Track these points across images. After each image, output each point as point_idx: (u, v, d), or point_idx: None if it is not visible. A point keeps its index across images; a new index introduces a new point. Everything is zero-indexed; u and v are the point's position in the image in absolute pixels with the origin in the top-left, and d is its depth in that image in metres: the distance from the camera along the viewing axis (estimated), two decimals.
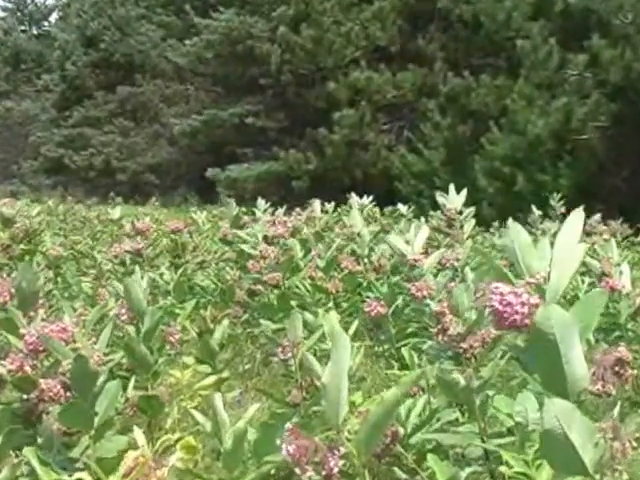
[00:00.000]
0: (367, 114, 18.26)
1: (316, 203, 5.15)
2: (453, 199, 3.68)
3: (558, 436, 0.97)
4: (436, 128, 16.57)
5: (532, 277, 1.10)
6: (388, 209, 7.75)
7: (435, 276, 2.80)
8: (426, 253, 2.93)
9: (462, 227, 3.64)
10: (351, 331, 2.53)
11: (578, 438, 0.97)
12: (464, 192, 3.74)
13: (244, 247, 3.73)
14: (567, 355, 1.03)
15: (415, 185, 16.53)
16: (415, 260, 2.81)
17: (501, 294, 1.07)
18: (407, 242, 2.89)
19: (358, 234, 4.03)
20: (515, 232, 1.14)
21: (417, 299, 2.58)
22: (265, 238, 3.66)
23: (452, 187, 3.69)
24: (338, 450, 1.17)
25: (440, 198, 3.68)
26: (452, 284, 2.61)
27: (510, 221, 1.19)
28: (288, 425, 1.24)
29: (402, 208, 6.09)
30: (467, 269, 2.37)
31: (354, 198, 5.54)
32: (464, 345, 1.88)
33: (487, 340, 1.89)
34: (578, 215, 1.14)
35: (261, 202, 5.13)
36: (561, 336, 1.02)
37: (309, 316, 2.57)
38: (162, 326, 2.51)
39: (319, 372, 1.25)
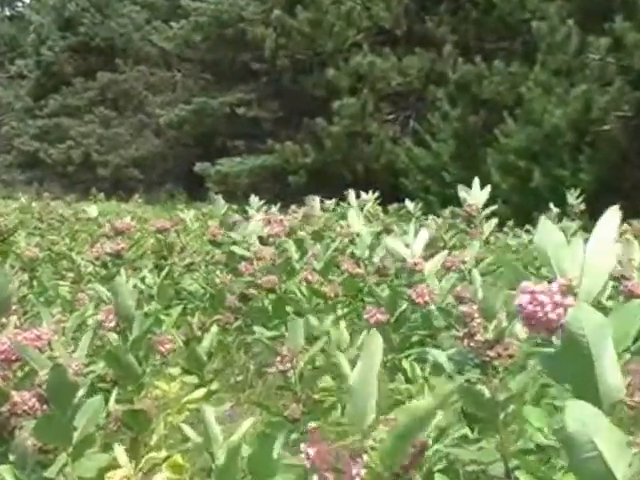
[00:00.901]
0: (370, 103, 18.27)
1: (315, 200, 5.17)
2: (476, 195, 3.68)
3: (584, 444, 0.94)
4: (445, 119, 16.58)
5: (564, 278, 1.10)
6: (393, 206, 7.75)
7: (440, 279, 2.81)
8: (431, 256, 2.94)
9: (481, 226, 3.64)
10: (360, 341, 2.53)
11: (608, 450, 0.94)
12: (488, 189, 3.74)
13: (235, 249, 3.73)
14: (600, 361, 1.01)
15: (422, 181, 16.53)
16: (415, 264, 2.82)
17: (532, 293, 1.07)
18: (407, 245, 2.90)
19: (357, 234, 4.03)
20: (547, 230, 1.14)
21: (418, 305, 2.59)
22: (260, 238, 3.66)
23: (477, 181, 3.70)
24: (361, 458, 1.16)
25: (462, 193, 3.68)
26: (459, 288, 2.62)
27: (542, 218, 1.18)
28: (311, 425, 1.24)
29: (409, 205, 6.10)
30: (475, 272, 2.37)
31: (352, 195, 5.54)
32: (491, 353, 1.88)
33: (516, 350, 1.88)
34: (614, 213, 1.13)
35: (254, 199, 5.14)
36: (593, 339, 1.01)
37: (314, 320, 2.57)
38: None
39: (349, 373, 1.25)
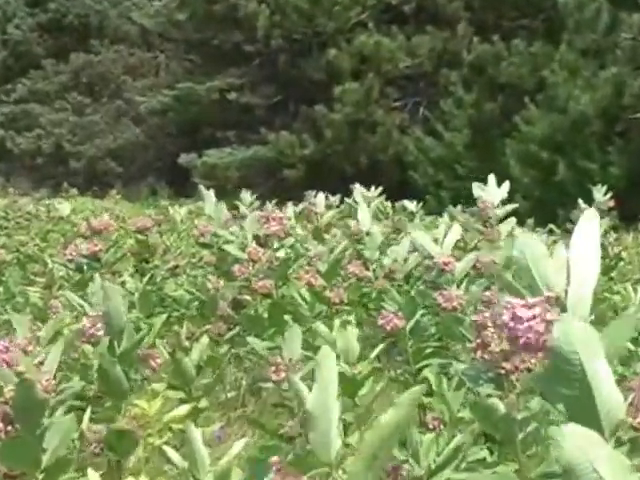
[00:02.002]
0: (375, 88, 18.28)
1: (319, 196, 5.17)
2: (492, 192, 3.69)
3: (586, 473, 0.93)
4: (459, 105, 16.59)
5: (550, 291, 1.11)
6: (401, 204, 7.75)
7: (460, 283, 2.80)
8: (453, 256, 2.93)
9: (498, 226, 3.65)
10: (375, 353, 2.53)
11: (612, 478, 0.93)
12: (506, 185, 3.75)
13: (228, 248, 3.73)
14: (595, 379, 1.00)
15: (433, 175, 16.55)
16: (445, 263, 2.79)
17: (513, 308, 1.07)
18: (435, 241, 2.88)
19: (367, 233, 4.03)
20: (525, 242, 1.16)
21: (445, 311, 2.57)
22: (256, 238, 3.66)
23: (492, 178, 3.71)
24: None
25: (477, 189, 3.68)
26: (489, 293, 2.60)
27: (519, 233, 1.20)
28: (274, 459, 1.25)
29: (409, 205, 6.09)
30: (505, 276, 2.37)
31: (359, 190, 5.54)
32: (507, 366, 1.88)
33: (534, 362, 1.89)
34: (592, 214, 1.15)
35: (246, 195, 5.14)
36: (586, 355, 1.00)
37: (321, 327, 2.57)
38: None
39: (306, 397, 1.26)
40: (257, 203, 5.20)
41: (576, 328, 1.01)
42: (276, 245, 3.58)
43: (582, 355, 1.01)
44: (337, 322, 2.60)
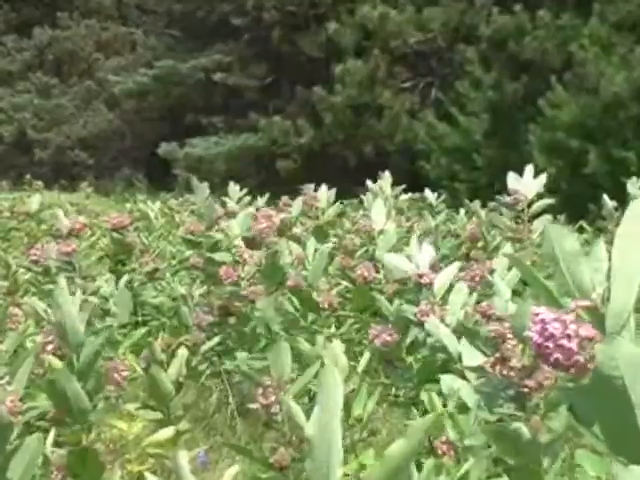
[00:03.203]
0: (381, 67, 18.28)
1: (322, 188, 5.18)
2: (528, 184, 3.69)
3: None
4: (477, 86, 16.59)
5: (584, 297, 1.09)
6: (410, 196, 7.76)
7: (444, 296, 2.85)
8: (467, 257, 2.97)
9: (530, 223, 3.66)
10: (361, 367, 2.55)
11: None
12: (542, 178, 3.76)
13: (215, 256, 3.76)
14: None
15: (447, 165, 16.55)
16: (420, 276, 2.87)
17: (542, 322, 1.07)
18: (408, 258, 2.95)
19: (380, 232, 4.03)
20: (557, 236, 1.13)
21: (422, 325, 2.62)
22: (245, 239, 3.67)
23: (529, 168, 3.72)
24: None
25: (511, 181, 3.69)
26: (484, 304, 2.65)
27: (547, 225, 1.17)
28: None
29: (429, 195, 6.10)
30: (499, 283, 2.38)
31: (386, 179, 5.52)
32: (530, 383, 1.89)
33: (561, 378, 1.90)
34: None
35: (234, 189, 5.15)
36: (631, 381, 1.00)
37: (305, 345, 2.59)
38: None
39: (303, 422, 1.27)
40: (247, 198, 5.20)
41: (620, 348, 1.00)
42: (268, 246, 3.60)
43: (627, 380, 1.00)
44: (319, 338, 2.62)
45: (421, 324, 2.74)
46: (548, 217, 3.77)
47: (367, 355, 2.61)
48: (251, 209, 4.53)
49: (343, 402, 1.22)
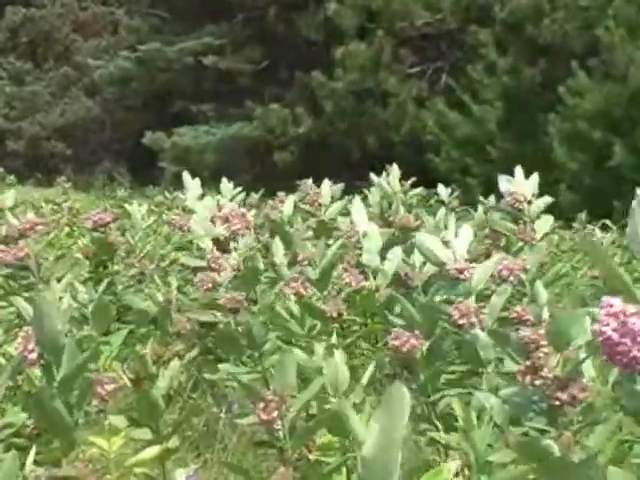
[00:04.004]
0: (386, 50, 18.28)
1: (325, 183, 5.18)
2: (521, 184, 3.72)
3: None
4: (491, 71, 16.60)
5: None
6: (417, 192, 7.76)
7: (480, 294, 2.82)
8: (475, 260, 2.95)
9: (533, 223, 3.67)
10: (365, 378, 2.55)
11: None
12: (535, 178, 3.78)
13: (187, 260, 3.77)
14: None
15: (458, 158, 16.57)
16: (458, 270, 2.81)
17: (617, 316, 1.06)
18: (445, 244, 2.90)
19: (363, 235, 4.04)
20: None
21: (460, 327, 2.58)
22: (215, 241, 3.67)
23: (519, 170, 3.74)
24: None
25: (503, 183, 3.72)
26: (519, 307, 2.62)
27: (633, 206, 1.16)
28: None
29: (442, 191, 6.10)
30: (538, 284, 2.38)
31: (394, 172, 5.51)
32: (563, 396, 1.89)
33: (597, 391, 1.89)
34: None
35: (227, 185, 5.14)
36: None
37: (301, 355, 2.59)
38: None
39: (361, 434, 1.26)
40: (241, 195, 5.19)
41: None
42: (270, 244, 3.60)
43: None
44: (318, 347, 2.62)
45: (457, 326, 2.67)
46: (549, 217, 3.79)
47: (372, 367, 2.60)
48: (213, 205, 4.50)
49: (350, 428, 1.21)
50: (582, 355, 1.92)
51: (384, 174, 5.79)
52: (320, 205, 5.07)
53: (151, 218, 5.50)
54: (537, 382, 1.92)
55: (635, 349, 1.07)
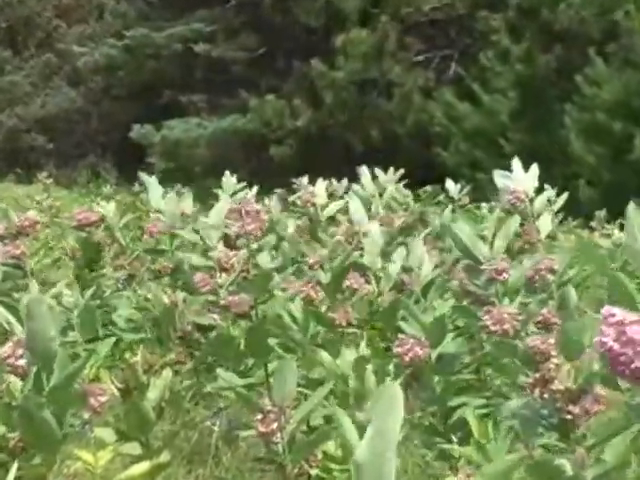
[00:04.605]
0: (390, 37, 18.28)
1: (320, 181, 5.18)
2: (520, 178, 3.70)
3: None
4: (503, 59, 16.60)
5: None
6: (425, 189, 7.79)
7: (512, 298, 2.81)
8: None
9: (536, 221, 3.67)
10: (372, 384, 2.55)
11: None
12: (534, 171, 3.76)
13: (191, 258, 3.75)
14: None
15: (468, 151, 16.56)
16: (497, 271, 2.78)
17: (619, 325, 1.07)
18: (482, 238, 2.87)
19: (363, 234, 4.03)
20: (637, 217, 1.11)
21: (493, 335, 2.54)
22: (225, 238, 3.66)
23: (516, 161, 3.72)
24: None
25: (499, 178, 3.70)
26: (546, 311, 2.59)
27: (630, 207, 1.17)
28: None
29: (451, 187, 6.11)
30: (569, 289, 2.36)
31: (366, 172, 5.53)
32: (575, 409, 1.89)
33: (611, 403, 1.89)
34: None
35: (230, 179, 5.12)
36: None
37: (327, 357, 2.58)
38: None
39: (354, 439, 1.27)
40: (244, 192, 5.18)
41: None
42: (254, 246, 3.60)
43: None
44: (346, 352, 2.61)
45: (489, 333, 2.64)
46: (550, 215, 3.78)
47: (398, 380, 2.59)
48: (231, 203, 4.51)
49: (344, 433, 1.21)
50: (595, 365, 1.92)
51: (391, 170, 5.80)
52: (314, 205, 5.06)
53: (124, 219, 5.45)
54: (547, 395, 1.92)
55: (637, 360, 1.07)
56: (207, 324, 3.72)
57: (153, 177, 4.80)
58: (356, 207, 4.24)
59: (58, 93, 25.61)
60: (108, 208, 5.30)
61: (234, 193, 5.00)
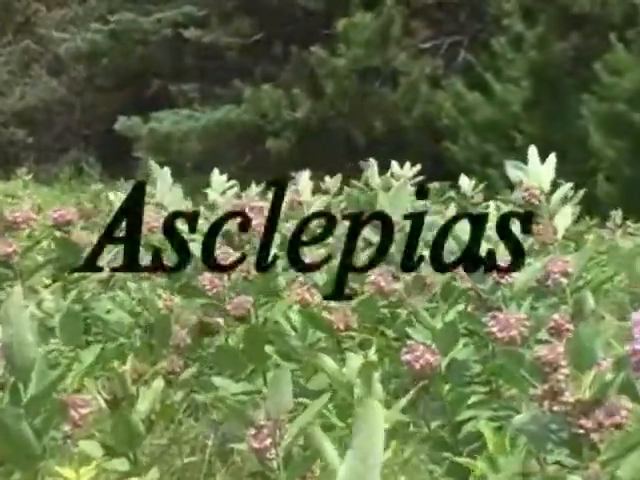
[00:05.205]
0: (396, 22, 18.29)
1: (303, 175, 5.17)
2: (536, 171, 3.68)
3: None
4: (517, 46, 16.60)
5: None
6: (434, 185, 7.78)
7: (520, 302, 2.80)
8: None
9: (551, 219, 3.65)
10: (402, 403, 2.55)
11: None
12: (552, 161, 3.74)
13: (193, 248, 3.76)
14: None
15: (478, 145, 16.56)
16: (501, 272, 2.79)
17: None
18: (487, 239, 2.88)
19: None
20: None
21: (500, 343, 2.54)
22: (227, 236, 3.67)
23: (533, 150, 3.69)
24: None
25: (512, 170, 3.68)
26: (558, 316, 2.59)
27: None
28: None
29: (465, 182, 6.10)
30: (587, 293, 2.37)
31: (373, 165, 5.53)
32: (587, 423, 1.89)
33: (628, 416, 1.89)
34: None
35: (219, 178, 5.12)
36: None
37: (331, 363, 2.59)
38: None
39: (334, 462, 1.27)
40: (234, 190, 5.18)
41: None
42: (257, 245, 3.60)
43: None
44: (352, 358, 2.61)
45: (495, 340, 2.64)
46: (570, 211, 3.74)
47: (411, 392, 2.59)
48: (235, 201, 4.52)
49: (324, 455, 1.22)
50: (608, 375, 1.91)
51: (407, 165, 5.80)
52: (300, 204, 5.04)
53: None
54: (556, 408, 1.92)
55: None
56: (208, 330, 3.73)
57: (165, 168, 4.78)
58: (384, 199, 4.16)
59: (38, 83, 25.60)
60: (117, 198, 5.29)
61: (224, 192, 4.99)
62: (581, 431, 1.90)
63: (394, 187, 4.36)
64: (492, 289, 2.84)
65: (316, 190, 5.50)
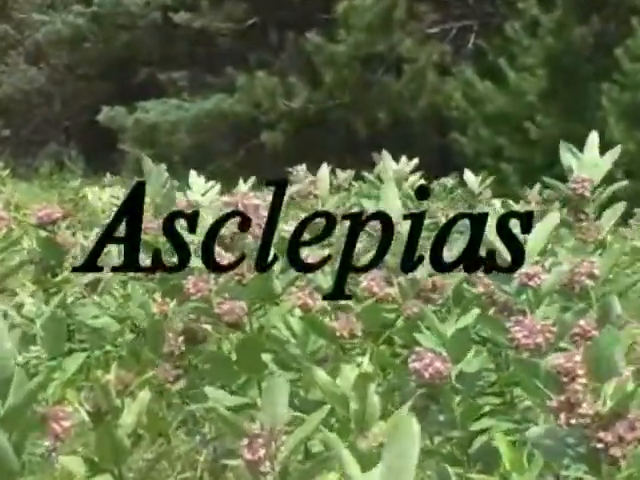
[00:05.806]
0: (400, 4, 18.29)
1: (323, 168, 5.16)
2: (591, 161, 3.66)
3: None
4: (532, 31, 16.60)
5: None
6: (441, 182, 7.79)
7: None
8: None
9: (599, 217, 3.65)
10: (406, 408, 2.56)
11: None
12: (615, 152, 3.72)
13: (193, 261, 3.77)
14: None
15: (490, 138, 16.56)
16: (529, 276, 2.78)
17: None
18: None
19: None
20: None
21: (523, 349, 2.54)
22: (221, 238, 3.67)
23: (594, 136, 3.65)
24: None
25: (566, 156, 3.64)
26: (584, 322, 2.58)
27: None
28: None
29: (470, 179, 6.10)
30: (613, 297, 2.36)
31: (388, 158, 5.53)
32: (607, 437, 1.89)
33: None
34: None
35: (197, 179, 5.08)
36: None
37: (322, 375, 2.60)
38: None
39: (356, 474, 1.27)
40: (217, 187, 5.16)
41: None
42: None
43: None
44: (347, 369, 2.62)
45: (518, 347, 2.63)
46: (620, 207, 3.71)
47: (409, 402, 2.59)
48: (225, 198, 4.50)
49: (366, 460, 1.22)
50: (630, 386, 1.91)
51: (403, 159, 5.81)
52: (316, 197, 5.04)
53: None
54: (573, 420, 1.92)
55: None
56: (195, 337, 3.73)
57: (161, 164, 4.76)
58: (389, 193, 4.14)
59: (15, 71, 25.61)
60: (117, 193, 5.29)
61: (205, 192, 4.97)
62: (600, 445, 1.90)
63: (382, 185, 4.37)
64: (519, 292, 2.84)
65: None
